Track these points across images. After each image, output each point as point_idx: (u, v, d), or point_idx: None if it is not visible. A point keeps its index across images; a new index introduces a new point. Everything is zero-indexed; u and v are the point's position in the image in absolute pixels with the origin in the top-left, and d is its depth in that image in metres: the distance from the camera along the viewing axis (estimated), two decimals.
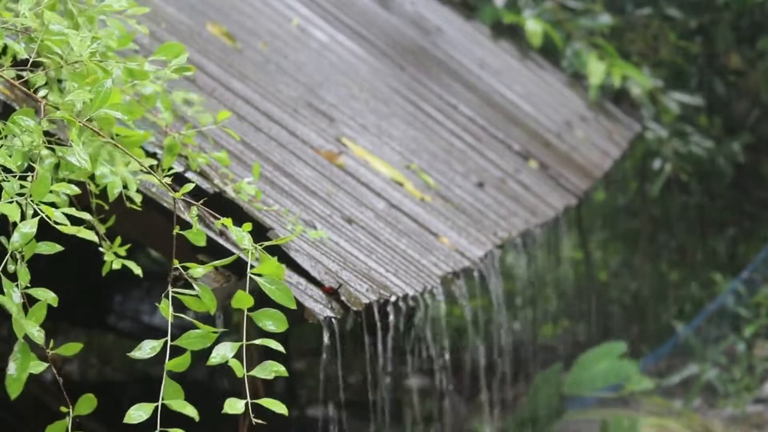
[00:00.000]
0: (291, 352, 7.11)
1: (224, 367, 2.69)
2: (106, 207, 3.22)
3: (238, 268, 3.21)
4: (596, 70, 8.87)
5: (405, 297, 4.08)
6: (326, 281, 3.61)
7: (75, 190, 2.81)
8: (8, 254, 2.66)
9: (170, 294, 2.76)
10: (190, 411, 2.65)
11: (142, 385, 7.64)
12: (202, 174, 3.70)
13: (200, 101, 3.98)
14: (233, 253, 3.09)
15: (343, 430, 4.48)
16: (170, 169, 3.25)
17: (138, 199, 3.20)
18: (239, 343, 2.68)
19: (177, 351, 2.69)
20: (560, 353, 9.05)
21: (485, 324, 6.78)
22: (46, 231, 2.71)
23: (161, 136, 3.61)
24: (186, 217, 2.92)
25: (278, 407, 2.65)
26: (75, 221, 2.72)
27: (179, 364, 2.66)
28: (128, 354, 2.71)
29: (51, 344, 2.77)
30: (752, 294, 9.53)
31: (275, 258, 2.79)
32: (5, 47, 2.97)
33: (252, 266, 2.76)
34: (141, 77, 3.18)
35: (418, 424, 6.93)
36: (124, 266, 3.20)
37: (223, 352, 2.67)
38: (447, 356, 5.05)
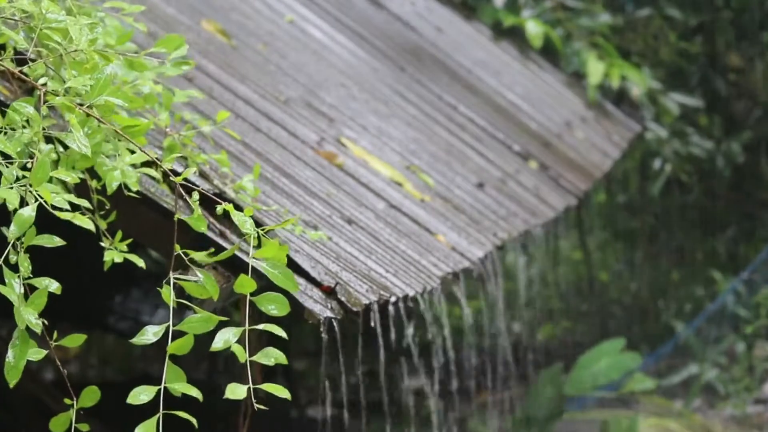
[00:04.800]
0: (291, 352, 7.10)
1: (223, 365, 2.69)
2: (107, 204, 3.22)
3: (238, 268, 3.21)
4: (595, 70, 8.87)
5: (405, 297, 4.08)
6: (326, 282, 3.61)
7: (75, 177, 2.81)
8: (9, 244, 2.66)
9: (171, 280, 2.77)
10: (195, 392, 2.65)
11: (141, 385, 7.63)
12: (201, 174, 3.70)
13: (201, 97, 3.99)
14: (233, 254, 3.09)
15: (342, 430, 4.48)
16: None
17: (135, 188, 3.20)
18: (242, 329, 2.68)
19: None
20: (560, 353, 9.05)
21: (485, 324, 6.79)
22: (47, 227, 2.71)
23: (161, 137, 3.61)
24: (185, 215, 2.92)
25: (281, 392, 2.64)
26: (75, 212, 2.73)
27: (181, 346, 2.66)
28: (131, 341, 2.71)
29: (55, 335, 2.77)
30: (752, 294, 9.52)
31: (276, 241, 2.80)
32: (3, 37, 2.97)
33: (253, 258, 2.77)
34: (140, 69, 3.19)
35: (417, 425, 6.93)
36: (124, 266, 3.20)
37: (226, 337, 2.67)
38: (446, 356, 5.05)
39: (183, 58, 3.33)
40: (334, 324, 3.54)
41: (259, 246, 2.83)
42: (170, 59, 3.26)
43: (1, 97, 3.44)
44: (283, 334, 2.70)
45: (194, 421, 2.64)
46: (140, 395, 2.61)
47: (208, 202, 3.09)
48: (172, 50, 3.25)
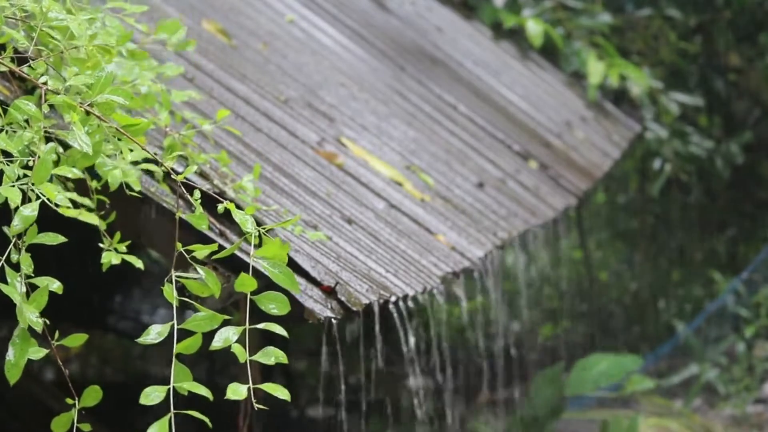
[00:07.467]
0: (291, 352, 7.09)
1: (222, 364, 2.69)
2: (107, 201, 3.21)
3: (239, 267, 3.21)
4: (595, 70, 8.88)
5: (405, 297, 4.08)
6: (326, 281, 3.61)
7: (77, 173, 2.80)
8: (11, 242, 2.65)
9: (174, 278, 2.76)
10: (204, 391, 2.64)
11: (141, 385, 7.63)
12: (201, 174, 3.70)
13: (200, 97, 3.99)
14: (233, 254, 3.08)
15: (342, 430, 4.48)
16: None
17: (137, 187, 3.19)
18: (242, 327, 2.68)
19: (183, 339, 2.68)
20: (560, 353, 9.05)
21: (485, 324, 6.79)
22: (45, 228, 2.71)
23: (161, 136, 3.61)
24: (186, 214, 2.92)
25: (281, 392, 2.64)
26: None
27: (189, 346, 2.66)
28: (137, 340, 2.70)
29: (56, 335, 2.76)
30: (752, 294, 9.53)
31: (277, 240, 2.80)
32: (4, 37, 2.97)
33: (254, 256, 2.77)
34: (141, 58, 3.18)
35: (417, 424, 6.94)
36: (124, 266, 3.20)
37: (226, 336, 2.66)
38: (447, 356, 5.05)
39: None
40: (334, 324, 3.54)
41: (260, 245, 2.83)
42: (170, 43, 3.25)
43: (1, 96, 3.44)
44: (284, 332, 2.70)
45: (207, 420, 2.64)
46: (151, 395, 2.61)
47: (208, 203, 3.09)
48: (170, 34, 3.24)
